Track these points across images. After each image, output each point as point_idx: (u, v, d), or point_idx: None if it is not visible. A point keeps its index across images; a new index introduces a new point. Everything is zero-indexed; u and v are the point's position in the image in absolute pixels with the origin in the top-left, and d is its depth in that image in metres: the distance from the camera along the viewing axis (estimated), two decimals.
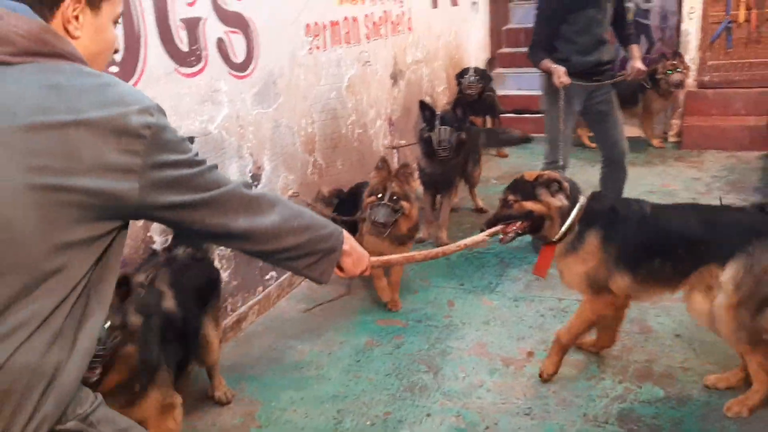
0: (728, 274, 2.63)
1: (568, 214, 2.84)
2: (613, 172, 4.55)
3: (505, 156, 6.93)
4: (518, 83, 8.04)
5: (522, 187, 2.90)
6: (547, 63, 4.29)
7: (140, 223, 3.05)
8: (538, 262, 2.99)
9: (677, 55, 6.73)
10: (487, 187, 5.83)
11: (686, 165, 6.37)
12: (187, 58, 3.28)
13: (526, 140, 5.65)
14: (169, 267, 2.75)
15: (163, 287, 2.59)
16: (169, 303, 2.56)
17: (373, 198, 3.67)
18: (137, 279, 2.52)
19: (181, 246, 2.91)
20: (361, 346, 3.52)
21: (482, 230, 2.79)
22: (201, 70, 3.38)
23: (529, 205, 2.85)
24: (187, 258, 2.86)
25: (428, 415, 2.92)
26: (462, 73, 6.60)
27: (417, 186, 3.69)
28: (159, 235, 3.15)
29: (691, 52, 7.10)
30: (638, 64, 4.44)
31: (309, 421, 2.93)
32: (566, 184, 2.87)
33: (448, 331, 3.60)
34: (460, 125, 4.75)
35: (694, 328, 3.41)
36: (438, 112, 4.80)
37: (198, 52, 3.35)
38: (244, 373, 3.31)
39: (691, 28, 7.10)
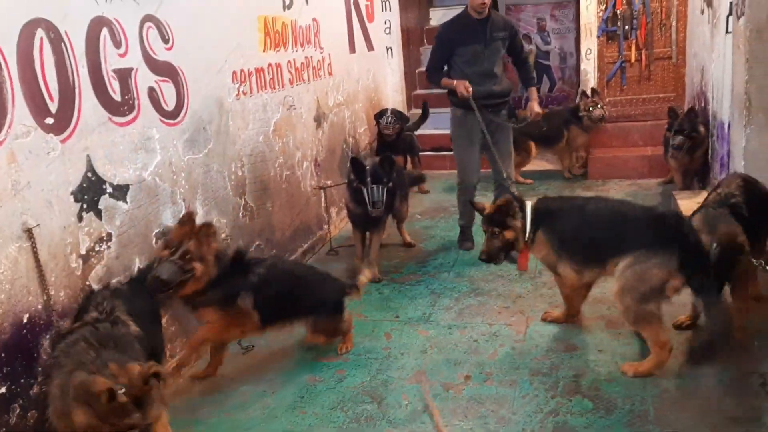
0: (620, 267, 3.36)
1: (524, 225, 3.70)
2: (501, 195, 4.95)
3: (427, 192, 7.19)
4: (434, 123, 8.35)
5: (497, 219, 3.74)
6: (447, 80, 5.01)
7: (79, 272, 3.04)
8: (520, 260, 3.84)
9: (595, 92, 7.24)
10: (412, 222, 6.05)
11: (593, 194, 6.81)
12: (120, 108, 3.33)
13: (420, 180, 6.35)
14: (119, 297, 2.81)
15: (123, 316, 2.67)
16: (134, 328, 2.68)
17: (165, 252, 3.29)
18: (91, 316, 2.57)
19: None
20: (304, 383, 3.58)
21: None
22: (134, 119, 3.43)
23: (509, 234, 3.73)
24: (128, 290, 2.91)
25: None
26: (380, 114, 6.87)
27: (217, 248, 3.41)
28: (96, 284, 3.14)
29: (590, 90, 7.65)
30: (535, 107, 5.15)
31: None
32: (515, 204, 3.71)
33: (387, 362, 3.72)
34: (389, 177, 4.90)
35: (615, 344, 3.69)
36: (367, 166, 4.89)
37: (130, 102, 3.40)
38: (190, 417, 3.29)
39: (589, 67, 7.67)
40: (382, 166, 4.91)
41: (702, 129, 5.87)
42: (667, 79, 7.48)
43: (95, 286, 3.12)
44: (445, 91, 5.19)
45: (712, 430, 2.90)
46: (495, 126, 5.04)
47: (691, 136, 5.84)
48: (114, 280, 3.20)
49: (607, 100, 7.66)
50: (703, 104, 6.12)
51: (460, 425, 3.08)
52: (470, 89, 4.84)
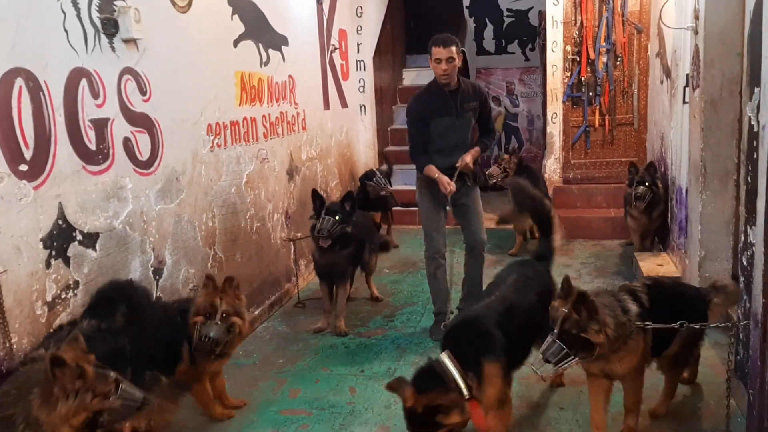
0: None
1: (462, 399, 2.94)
2: (473, 258, 5.01)
3: (396, 247, 7.27)
4: (404, 179, 8.54)
5: (426, 421, 2.88)
6: (432, 171, 4.73)
7: (43, 319, 3.02)
8: (477, 424, 3.02)
9: (509, 153, 7.38)
10: (380, 276, 6.10)
11: (558, 253, 6.93)
12: (95, 157, 3.37)
13: (385, 248, 6.14)
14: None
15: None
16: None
17: (200, 318, 3.37)
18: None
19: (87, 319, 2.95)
20: (268, 427, 3.55)
21: None
22: (108, 168, 3.47)
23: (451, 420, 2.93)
24: (92, 330, 2.89)
25: None
26: (369, 176, 7.03)
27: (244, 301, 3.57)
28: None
29: (556, 152, 7.91)
30: (467, 158, 4.74)
31: None
32: (450, 398, 2.89)
33: (351, 416, 3.71)
34: (345, 217, 5.01)
35: (576, 401, 3.74)
36: (326, 203, 5.06)
37: (105, 151, 3.45)
38: None
39: (555, 131, 7.94)
40: (341, 204, 5.05)
41: (660, 185, 6.08)
42: (629, 144, 7.77)
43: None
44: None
45: None
46: (464, 190, 4.86)
47: (651, 189, 6.02)
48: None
49: (572, 162, 7.92)
50: (663, 169, 6.36)
51: None
52: (453, 188, 4.64)
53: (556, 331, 2.92)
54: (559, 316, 2.92)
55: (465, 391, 2.90)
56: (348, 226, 4.98)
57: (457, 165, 4.73)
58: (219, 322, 3.36)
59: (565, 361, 2.92)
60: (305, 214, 6.20)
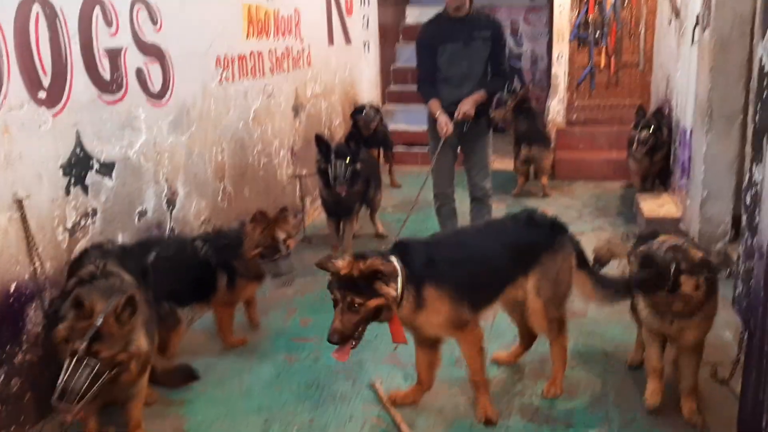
0: (531, 285, 3.15)
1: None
2: (475, 207, 5.00)
3: (399, 186, 7.33)
4: (407, 119, 8.53)
5: (358, 286, 2.71)
6: (434, 107, 4.67)
7: (65, 245, 3.09)
8: (394, 331, 2.88)
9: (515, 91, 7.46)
10: (384, 215, 6.18)
11: (560, 194, 7.04)
12: (109, 86, 3.39)
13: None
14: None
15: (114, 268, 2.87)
16: (128, 278, 2.89)
17: (259, 250, 3.65)
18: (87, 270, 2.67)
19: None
20: (280, 361, 3.68)
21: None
22: (122, 98, 3.49)
23: (374, 302, 2.72)
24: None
25: (351, 418, 3.15)
26: (359, 110, 6.99)
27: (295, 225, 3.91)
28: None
29: (560, 93, 7.90)
30: (464, 106, 4.57)
31: (238, 431, 3.06)
32: (391, 268, 2.77)
33: (361, 344, 3.80)
34: (354, 157, 5.06)
35: (577, 333, 3.87)
36: (332, 146, 5.09)
37: (119, 81, 3.46)
38: (166, 390, 3.36)
39: (560, 71, 7.91)
40: (347, 143, 5.09)
41: (666, 131, 6.12)
42: (634, 86, 7.76)
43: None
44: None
45: (668, 414, 3.09)
46: (471, 134, 4.76)
47: (656, 134, 6.07)
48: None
49: (576, 104, 7.92)
50: (667, 111, 6.38)
51: (431, 404, 3.22)
52: (450, 130, 4.58)
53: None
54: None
55: (398, 290, 2.76)
56: (357, 164, 5.04)
57: (456, 116, 4.61)
58: (287, 255, 3.72)
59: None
60: (310, 151, 6.21)
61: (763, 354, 2.57)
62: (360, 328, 2.78)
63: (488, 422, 3.08)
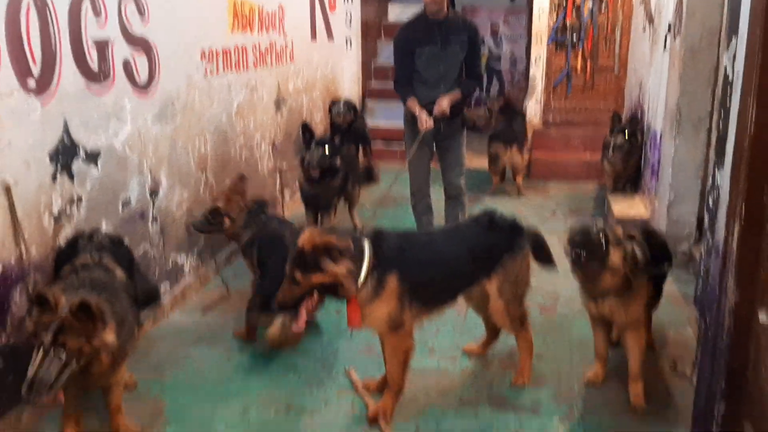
0: (494, 286, 3.27)
1: (359, 269, 2.86)
2: (450, 205, 5.16)
3: (377, 182, 7.44)
4: (387, 115, 8.65)
5: (305, 260, 2.77)
6: (413, 105, 4.81)
7: (50, 231, 3.16)
8: (351, 315, 2.92)
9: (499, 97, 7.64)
10: (362, 211, 6.29)
11: (534, 193, 7.21)
12: (97, 76, 3.45)
13: (371, 177, 6.53)
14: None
15: (109, 263, 2.94)
16: (120, 274, 2.95)
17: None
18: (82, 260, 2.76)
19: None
20: (258, 350, 3.78)
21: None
22: (109, 89, 3.55)
23: (317, 278, 2.78)
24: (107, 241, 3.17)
25: (326, 403, 3.26)
26: (333, 104, 7.12)
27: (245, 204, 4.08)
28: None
29: (537, 95, 8.08)
30: (443, 103, 4.71)
31: (216, 415, 3.17)
32: (345, 244, 2.80)
33: (338, 335, 3.95)
34: (335, 150, 5.19)
35: (546, 326, 4.03)
36: (316, 137, 5.26)
37: (106, 71, 3.52)
38: (146, 376, 3.45)
39: (538, 73, 8.08)
40: (331, 138, 5.33)
41: (640, 136, 6.31)
42: (609, 90, 7.96)
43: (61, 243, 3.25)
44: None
45: (628, 405, 3.25)
46: (447, 133, 4.90)
47: (631, 140, 6.26)
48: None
49: (552, 105, 8.11)
50: (639, 116, 6.57)
51: (404, 393, 3.34)
52: (431, 125, 4.70)
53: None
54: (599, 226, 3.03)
55: (362, 276, 2.83)
56: (336, 158, 5.16)
57: (435, 111, 4.73)
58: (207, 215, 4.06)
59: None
60: (291, 145, 6.33)
61: (716, 348, 2.73)
62: (314, 299, 2.85)
63: (372, 421, 3.09)
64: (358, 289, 2.86)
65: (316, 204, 5.45)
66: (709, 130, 4.75)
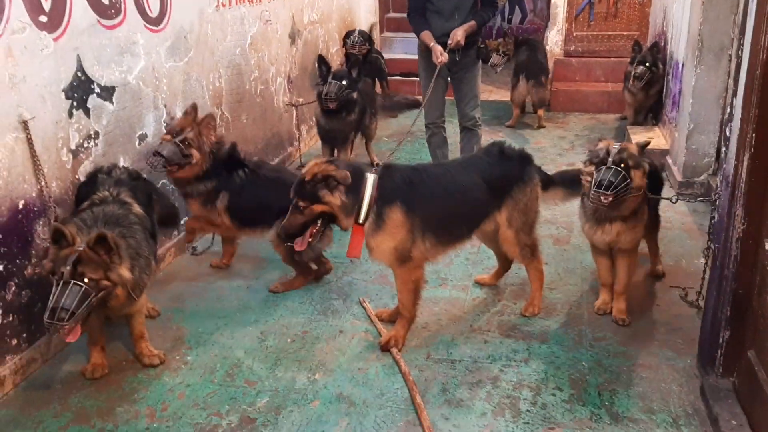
0: (504, 216, 3.33)
1: (356, 202, 2.93)
2: (465, 136, 5.14)
3: (395, 116, 7.39)
4: (405, 47, 8.52)
5: (306, 189, 2.90)
6: (427, 38, 4.73)
7: (69, 165, 3.24)
8: (351, 244, 3.03)
9: (505, 36, 7.43)
10: (379, 144, 6.30)
11: (554, 125, 7.13)
12: (108, 11, 3.45)
13: (415, 105, 6.14)
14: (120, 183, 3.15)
15: (127, 198, 3.03)
16: (137, 209, 3.04)
17: (168, 137, 3.54)
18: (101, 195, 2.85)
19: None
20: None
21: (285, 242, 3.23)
22: (120, 23, 3.55)
23: (318, 208, 2.91)
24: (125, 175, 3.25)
25: (341, 332, 3.37)
26: (348, 34, 7.02)
27: (214, 141, 3.63)
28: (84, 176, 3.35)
29: (559, 24, 7.87)
30: (457, 34, 4.64)
31: (235, 341, 3.29)
32: (343, 175, 2.87)
33: (353, 266, 4.04)
34: (352, 84, 5.16)
35: (559, 258, 4.07)
36: (333, 69, 5.22)
37: (117, 5, 3.52)
38: (167, 306, 3.59)
39: (560, 1, 7.85)
40: (348, 71, 5.24)
41: (661, 66, 6.16)
42: (633, 18, 7.73)
43: (82, 178, 3.32)
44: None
45: (637, 333, 3.31)
46: (462, 64, 4.85)
47: (651, 69, 6.12)
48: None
49: (574, 34, 7.90)
50: (663, 44, 6.40)
51: (416, 320, 3.43)
52: (446, 58, 4.62)
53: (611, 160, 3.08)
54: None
55: (363, 213, 2.93)
56: (354, 92, 5.15)
57: (449, 43, 4.67)
58: (178, 143, 3.49)
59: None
60: (307, 79, 6.30)
61: (723, 276, 2.75)
62: (316, 228, 2.98)
63: (384, 348, 3.17)
64: (356, 220, 2.95)
65: (333, 139, 5.46)
66: (731, 59, 4.63)
